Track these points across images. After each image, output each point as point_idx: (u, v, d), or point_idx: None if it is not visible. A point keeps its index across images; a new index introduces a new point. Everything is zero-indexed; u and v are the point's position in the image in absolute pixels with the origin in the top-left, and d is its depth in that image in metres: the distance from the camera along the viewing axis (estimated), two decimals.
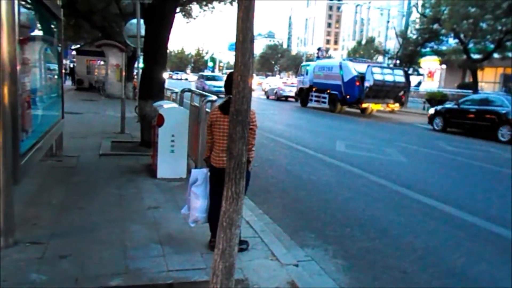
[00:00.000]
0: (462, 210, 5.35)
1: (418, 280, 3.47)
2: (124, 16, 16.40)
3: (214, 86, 25.25)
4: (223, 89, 3.63)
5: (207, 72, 40.49)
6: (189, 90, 7.18)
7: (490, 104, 13.66)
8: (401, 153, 9.48)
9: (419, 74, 32.22)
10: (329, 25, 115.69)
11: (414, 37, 26.48)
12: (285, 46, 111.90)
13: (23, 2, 3.77)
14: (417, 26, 26.56)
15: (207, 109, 5.39)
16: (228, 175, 2.19)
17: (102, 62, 22.19)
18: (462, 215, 5.17)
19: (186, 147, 5.75)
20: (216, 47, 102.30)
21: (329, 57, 49.55)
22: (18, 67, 3.26)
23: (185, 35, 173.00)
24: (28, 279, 2.83)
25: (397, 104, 20.10)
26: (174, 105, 6.46)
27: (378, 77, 18.75)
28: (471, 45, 22.42)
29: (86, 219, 4.04)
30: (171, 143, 5.57)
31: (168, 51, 8.32)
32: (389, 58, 29.92)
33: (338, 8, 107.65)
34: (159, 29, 7.13)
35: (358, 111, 20.77)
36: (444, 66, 34.41)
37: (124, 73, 9.74)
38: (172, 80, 53.15)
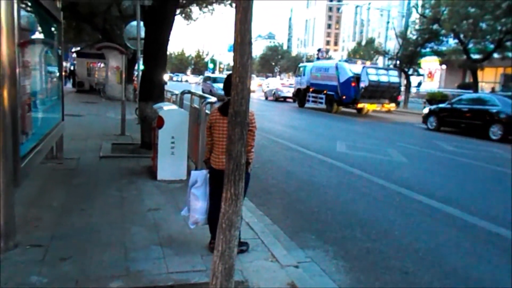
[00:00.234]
0: (463, 211, 5.34)
1: (419, 281, 3.47)
2: (125, 18, 16.42)
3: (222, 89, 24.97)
4: None
5: (213, 74, 39.54)
6: (189, 92, 7.19)
7: (481, 104, 13.99)
8: (401, 153, 9.47)
9: (419, 75, 32.21)
10: (329, 26, 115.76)
11: (414, 37, 26.48)
12: (285, 47, 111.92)
13: (23, 5, 3.78)
14: (417, 27, 26.56)
15: (206, 111, 5.39)
16: (227, 176, 2.20)
17: (102, 65, 22.24)
18: (463, 216, 5.17)
19: (186, 148, 5.76)
20: (216, 49, 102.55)
21: (329, 58, 49.49)
22: (18, 70, 3.27)
23: (185, 37, 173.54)
24: (29, 282, 2.83)
25: (392, 104, 20.40)
26: (174, 107, 6.47)
27: (373, 78, 19.15)
28: (471, 45, 22.42)
29: (87, 221, 4.04)
30: (171, 144, 5.57)
31: (168, 53, 8.34)
32: (389, 59, 29.93)
33: (338, 9, 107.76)
34: (159, 31, 7.14)
35: (355, 111, 21.11)
36: (444, 67, 34.40)
37: (124, 75, 9.76)
38: (173, 82, 53.24)
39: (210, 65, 72.05)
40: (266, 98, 30.66)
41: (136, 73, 14.22)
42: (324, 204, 5.40)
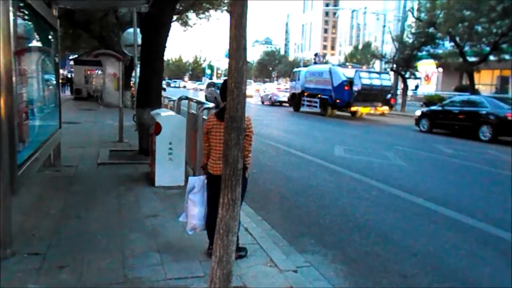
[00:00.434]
0: (461, 213, 5.34)
1: (418, 284, 3.46)
2: (122, 25, 16.48)
3: None
4: None
5: (217, 80, 39.24)
6: (186, 98, 7.20)
7: (471, 105, 14.28)
8: (398, 156, 9.48)
9: (416, 78, 32.32)
10: (325, 30, 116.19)
11: (410, 41, 26.60)
12: (282, 52, 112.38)
13: (19, 13, 3.80)
14: (413, 30, 26.70)
15: (204, 117, 5.40)
16: (224, 182, 2.20)
17: (100, 72, 22.27)
18: (462, 218, 5.17)
19: (184, 154, 5.76)
20: (214, 55, 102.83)
21: (326, 62, 49.75)
22: (15, 78, 3.28)
23: (182, 43, 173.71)
24: None
25: (386, 107, 20.81)
26: (172, 113, 6.48)
27: (366, 81, 19.54)
28: (467, 48, 22.51)
29: (85, 229, 4.03)
30: (168, 151, 5.57)
31: (165, 59, 8.37)
32: (386, 63, 30.04)
33: (334, 13, 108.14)
34: (156, 37, 7.17)
35: (349, 114, 21.47)
36: (440, 70, 34.57)
37: (121, 82, 9.76)
38: (170, 88, 53.19)
39: (208, 71, 72.24)
40: (263, 102, 31.23)
41: (133, 79, 14.23)
42: (323, 209, 5.39)
